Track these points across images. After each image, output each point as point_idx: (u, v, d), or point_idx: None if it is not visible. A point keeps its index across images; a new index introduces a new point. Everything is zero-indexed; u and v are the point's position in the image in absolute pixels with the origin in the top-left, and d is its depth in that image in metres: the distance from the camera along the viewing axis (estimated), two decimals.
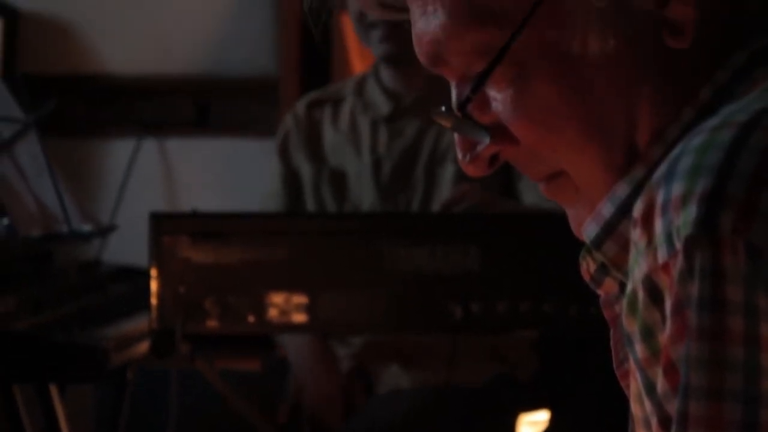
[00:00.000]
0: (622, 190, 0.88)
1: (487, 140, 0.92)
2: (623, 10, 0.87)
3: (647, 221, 0.79)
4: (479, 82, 0.90)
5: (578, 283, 2.00)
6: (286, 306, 1.97)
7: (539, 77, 0.88)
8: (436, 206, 2.41)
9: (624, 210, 0.87)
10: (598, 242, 0.89)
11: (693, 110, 0.87)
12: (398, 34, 2.49)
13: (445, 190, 2.45)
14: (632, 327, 0.81)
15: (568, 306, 1.94)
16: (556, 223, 2.01)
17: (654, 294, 0.79)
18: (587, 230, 0.90)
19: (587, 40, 0.88)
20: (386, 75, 2.60)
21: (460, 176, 2.47)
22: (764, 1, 0.88)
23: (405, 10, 0.94)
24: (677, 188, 0.77)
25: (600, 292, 0.93)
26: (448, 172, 2.50)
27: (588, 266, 0.92)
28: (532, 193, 2.44)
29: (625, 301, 0.82)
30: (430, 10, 0.91)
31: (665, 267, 0.77)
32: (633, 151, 0.89)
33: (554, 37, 0.88)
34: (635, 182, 0.87)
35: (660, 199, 0.78)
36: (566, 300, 1.94)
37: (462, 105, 0.92)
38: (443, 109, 0.93)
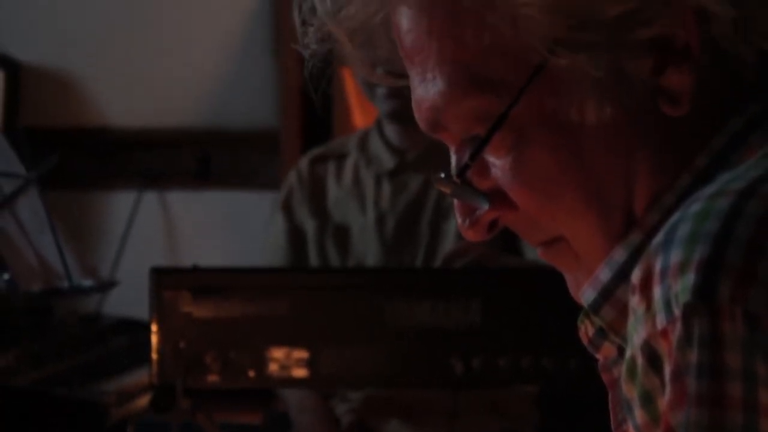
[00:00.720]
0: (619, 255, 0.89)
1: (485, 207, 0.92)
2: (620, 79, 0.88)
3: (646, 288, 0.80)
4: (477, 150, 0.91)
5: (579, 338, 2.00)
6: (286, 361, 1.97)
7: (537, 145, 0.89)
8: (440, 260, 2.41)
9: (621, 275, 0.88)
10: (596, 307, 0.90)
11: (689, 176, 0.88)
12: (403, 91, 2.49)
13: (449, 245, 2.45)
14: (632, 393, 0.82)
15: (569, 361, 1.94)
16: (557, 278, 2.01)
17: (653, 360, 0.79)
18: (585, 295, 0.91)
19: (584, 108, 0.88)
20: (390, 130, 2.61)
21: None
22: (759, 69, 0.89)
23: (405, 76, 0.95)
24: (675, 255, 0.78)
25: (598, 356, 0.93)
26: (452, 227, 2.50)
27: (586, 330, 0.93)
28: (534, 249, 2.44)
29: (624, 367, 0.82)
30: (429, 78, 0.92)
31: (664, 333, 0.78)
32: (631, 217, 0.89)
33: (552, 105, 0.88)
34: (632, 248, 0.88)
35: (658, 266, 0.79)
36: (567, 355, 1.94)
37: (460, 171, 0.92)
38: (442, 175, 0.94)
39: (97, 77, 3.71)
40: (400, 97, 2.50)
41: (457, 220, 0.95)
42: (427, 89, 0.93)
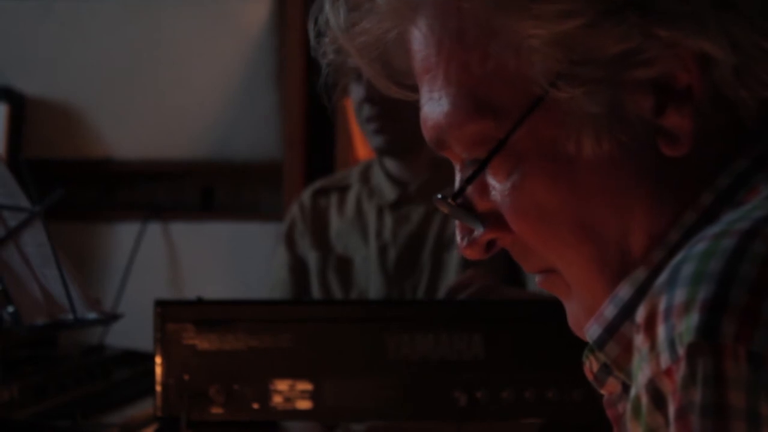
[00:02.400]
0: (624, 292, 0.89)
1: (480, 229, 0.93)
2: (619, 116, 0.89)
3: (650, 327, 0.80)
4: (474, 173, 0.92)
5: (583, 370, 2.00)
6: (290, 393, 1.97)
7: (535, 174, 0.90)
8: (442, 292, 2.42)
9: (627, 312, 0.89)
10: (601, 343, 0.90)
11: (694, 214, 0.88)
12: (391, 127, 2.50)
13: (451, 276, 2.46)
14: (636, 431, 0.82)
15: (572, 393, 1.94)
16: (560, 310, 2.01)
17: (657, 399, 0.80)
18: (590, 331, 0.91)
19: (582, 142, 0.89)
20: (391, 163, 2.61)
21: (466, 262, 2.48)
22: (761, 114, 0.89)
23: (417, 90, 0.96)
24: (680, 295, 0.79)
25: (603, 391, 0.94)
26: (454, 258, 2.50)
27: (591, 366, 0.93)
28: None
29: (629, 406, 0.83)
30: (435, 97, 0.93)
31: (668, 372, 0.78)
32: (625, 253, 0.90)
33: (551, 136, 0.89)
34: (638, 284, 0.89)
35: (663, 305, 0.80)
36: (571, 387, 1.94)
37: (457, 193, 0.94)
38: (440, 196, 0.95)
39: (101, 109, 3.72)
40: (389, 132, 2.51)
41: (457, 238, 0.95)
42: (432, 108, 0.94)
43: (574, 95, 0.88)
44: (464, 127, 0.92)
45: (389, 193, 2.60)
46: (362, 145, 3.54)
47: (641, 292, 0.87)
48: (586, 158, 0.89)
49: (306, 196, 2.69)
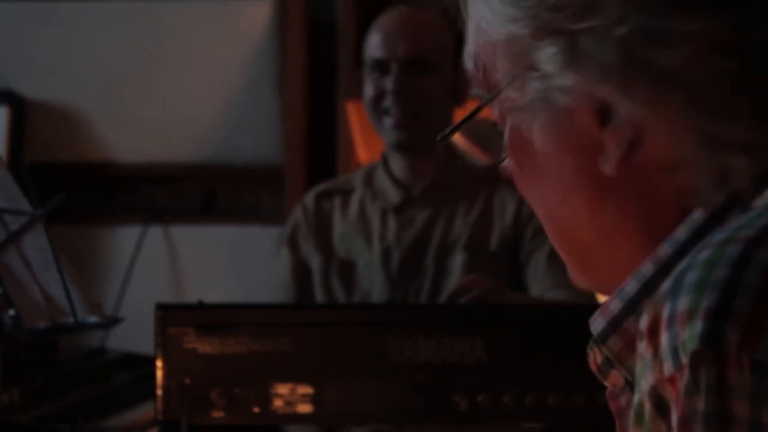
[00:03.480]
0: (630, 287, 0.89)
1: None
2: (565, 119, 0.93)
3: (654, 334, 0.80)
4: (469, 116, 1.01)
5: (584, 373, 1.99)
6: (291, 397, 1.97)
7: (513, 131, 0.97)
8: (445, 295, 2.41)
9: (631, 307, 0.89)
10: (604, 337, 0.90)
11: (704, 214, 0.88)
12: (411, 122, 2.51)
13: (454, 280, 2.45)
14: None
15: (574, 397, 1.94)
16: (562, 314, 2.01)
17: (660, 406, 0.80)
18: (595, 324, 0.92)
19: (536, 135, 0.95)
20: (396, 165, 2.61)
21: (470, 266, 2.48)
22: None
23: None
24: (683, 303, 0.79)
25: (606, 383, 0.94)
26: (457, 261, 2.50)
27: (595, 357, 0.93)
28: (539, 285, 2.44)
29: (632, 412, 0.83)
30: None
31: (671, 380, 0.79)
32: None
33: (516, 115, 0.96)
34: (643, 280, 0.89)
35: (666, 312, 0.80)
36: (572, 391, 1.93)
37: (467, 117, 1.01)
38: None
39: (103, 113, 3.72)
40: (409, 127, 2.52)
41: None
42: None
43: (525, 93, 0.93)
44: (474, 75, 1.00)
45: (393, 196, 2.60)
46: (363, 148, 3.53)
47: (647, 287, 0.87)
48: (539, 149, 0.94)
49: (309, 198, 2.69)
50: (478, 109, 0.97)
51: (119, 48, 3.70)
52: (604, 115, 0.90)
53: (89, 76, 3.70)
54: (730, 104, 0.87)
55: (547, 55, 0.90)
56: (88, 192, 3.77)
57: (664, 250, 0.89)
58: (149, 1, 3.71)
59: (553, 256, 2.48)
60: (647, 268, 0.89)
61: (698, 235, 0.87)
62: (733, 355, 0.76)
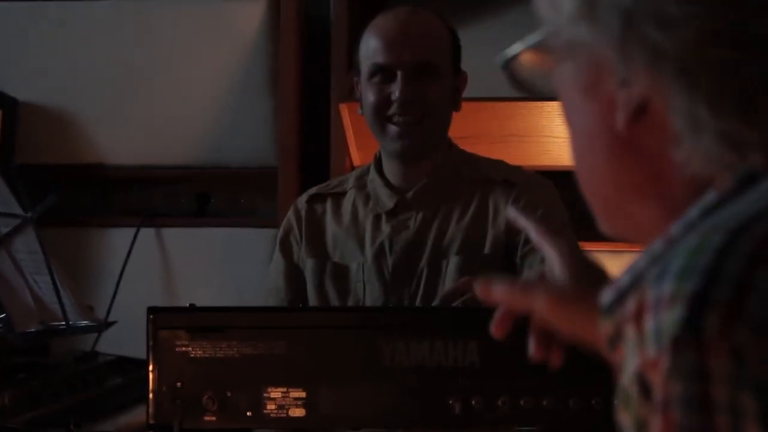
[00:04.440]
0: (641, 261, 0.92)
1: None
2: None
3: (639, 318, 0.83)
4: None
5: (579, 376, 1.99)
6: (284, 401, 1.96)
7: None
8: (438, 299, 2.41)
9: (637, 281, 0.90)
10: (612, 308, 0.92)
11: (716, 194, 0.90)
12: (415, 129, 2.51)
13: (448, 283, 2.45)
14: (626, 421, 0.85)
15: (568, 401, 1.93)
16: None
17: (645, 389, 0.82)
18: (605, 296, 0.94)
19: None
20: (390, 169, 2.61)
21: (463, 269, 2.47)
22: None
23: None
24: (667, 288, 0.81)
25: (614, 356, 0.95)
26: (451, 265, 2.49)
27: (605, 330, 0.94)
28: None
29: (619, 395, 0.85)
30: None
31: (654, 364, 0.81)
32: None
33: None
34: (653, 256, 0.91)
35: (651, 297, 0.82)
36: (567, 395, 1.93)
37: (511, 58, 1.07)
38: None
39: (95, 115, 3.71)
40: (412, 137, 2.51)
41: None
42: None
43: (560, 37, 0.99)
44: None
45: (387, 200, 2.59)
46: (357, 151, 3.53)
47: (654, 263, 0.89)
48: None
49: (301, 202, 2.68)
50: (539, 42, 1.02)
51: (112, 49, 3.69)
52: (622, 79, 0.94)
53: (81, 78, 3.69)
54: (722, 94, 0.90)
55: (572, 2, 0.96)
56: (80, 194, 3.77)
57: (676, 228, 0.91)
58: (141, 1, 3.70)
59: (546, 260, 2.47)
60: (658, 245, 0.91)
61: (708, 215, 0.89)
62: (712, 340, 0.78)
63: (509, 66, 1.05)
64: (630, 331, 0.84)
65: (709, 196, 0.90)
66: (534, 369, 1.95)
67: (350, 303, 2.53)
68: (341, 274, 2.57)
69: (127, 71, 3.68)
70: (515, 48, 1.04)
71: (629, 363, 0.83)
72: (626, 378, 0.84)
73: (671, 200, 0.94)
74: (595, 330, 1.17)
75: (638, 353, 0.82)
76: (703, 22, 0.89)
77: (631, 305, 0.84)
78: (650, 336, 0.81)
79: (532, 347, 1.30)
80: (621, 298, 0.91)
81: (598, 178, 1.00)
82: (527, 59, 1.04)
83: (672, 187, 0.94)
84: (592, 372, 1.91)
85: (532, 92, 1.07)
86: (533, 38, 1.01)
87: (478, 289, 1.26)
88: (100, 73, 3.69)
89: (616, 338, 0.93)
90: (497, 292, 1.25)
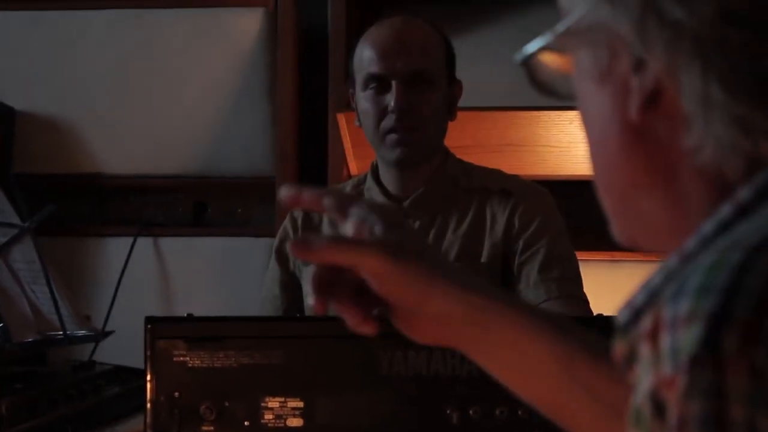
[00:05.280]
0: (657, 278, 0.90)
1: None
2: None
3: (655, 336, 0.81)
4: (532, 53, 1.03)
5: None
6: (281, 410, 1.96)
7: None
8: None
9: (653, 299, 0.89)
10: (627, 328, 0.91)
11: (731, 208, 0.89)
12: (412, 138, 2.51)
13: None
14: None
15: None
16: None
17: (659, 408, 0.81)
18: (621, 315, 0.92)
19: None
20: (387, 177, 2.61)
21: None
22: None
23: None
24: (685, 306, 0.80)
25: (629, 376, 0.94)
26: None
27: (620, 350, 0.94)
28: (530, 298, 2.44)
29: (631, 414, 0.84)
30: None
31: (670, 383, 0.79)
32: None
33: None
34: (668, 272, 0.90)
35: (668, 315, 0.81)
36: None
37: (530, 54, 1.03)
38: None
39: (92, 124, 3.71)
40: (410, 145, 2.51)
41: None
42: None
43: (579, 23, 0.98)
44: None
45: None
46: (354, 160, 3.53)
47: (670, 279, 0.88)
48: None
49: (297, 210, 2.68)
50: (558, 34, 1.00)
51: (109, 58, 3.69)
52: (637, 62, 0.93)
53: (78, 87, 3.69)
54: (736, 77, 0.89)
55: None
56: (77, 204, 3.76)
57: (691, 244, 0.90)
58: (139, 10, 3.70)
59: (543, 269, 2.47)
60: (673, 261, 0.90)
61: (724, 229, 0.88)
62: (730, 359, 0.77)
63: (528, 64, 1.04)
64: (645, 349, 0.82)
65: (725, 209, 0.89)
66: None
67: None
68: None
69: (124, 80, 3.69)
70: (535, 44, 1.02)
71: (643, 381, 0.82)
72: (639, 396, 0.83)
73: (680, 192, 0.93)
74: (416, 295, 1.17)
75: (653, 371, 0.81)
76: (722, 0, 0.89)
77: (646, 323, 0.83)
78: (666, 354, 0.80)
79: (313, 299, 1.21)
80: (636, 316, 0.90)
81: (611, 170, 0.99)
82: (546, 59, 1.04)
83: (681, 178, 0.93)
84: None
85: (552, 93, 1.06)
86: (554, 30, 1.00)
87: (292, 248, 1.15)
88: (97, 82, 3.69)
89: (630, 358, 0.92)
90: (318, 245, 1.14)
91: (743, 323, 0.77)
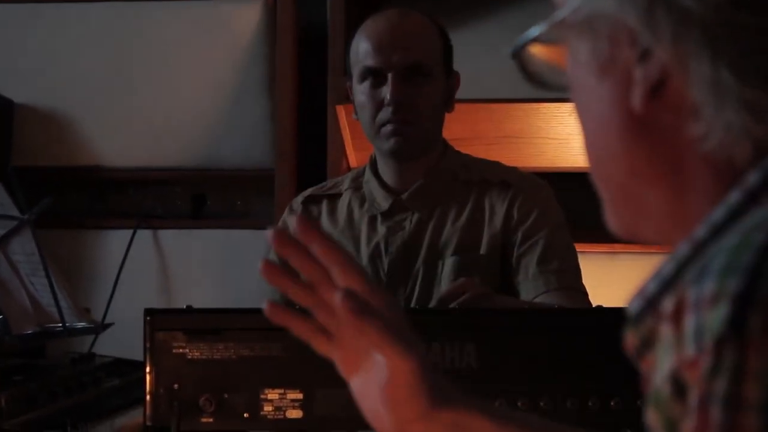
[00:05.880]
0: (668, 269, 0.90)
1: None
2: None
3: (678, 317, 0.82)
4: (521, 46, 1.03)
5: (575, 378, 1.98)
6: (281, 402, 1.96)
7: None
8: (435, 300, 2.41)
9: (666, 288, 0.89)
10: (640, 317, 0.91)
11: (740, 194, 0.89)
12: (408, 130, 2.50)
13: (444, 284, 2.45)
14: (655, 421, 0.84)
15: (565, 402, 1.93)
16: (553, 318, 2.00)
17: (679, 389, 0.81)
18: (632, 305, 0.92)
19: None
20: (385, 170, 2.61)
21: (460, 270, 2.47)
22: None
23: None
24: (709, 287, 0.80)
25: (642, 366, 0.94)
26: (447, 266, 2.49)
27: (632, 340, 0.94)
28: (529, 290, 2.44)
29: (651, 395, 0.84)
30: None
31: (694, 363, 0.80)
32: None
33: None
34: (680, 262, 0.89)
35: (692, 296, 0.81)
36: (564, 396, 1.93)
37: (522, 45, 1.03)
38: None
39: (91, 116, 3.70)
40: (405, 136, 2.51)
41: None
42: None
43: (577, 14, 0.97)
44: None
45: (382, 201, 2.59)
46: (354, 153, 3.53)
47: (682, 268, 0.88)
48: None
49: (296, 203, 2.68)
50: (551, 25, 1.00)
51: (108, 51, 3.68)
52: (642, 52, 0.92)
53: (77, 80, 3.69)
54: (747, 62, 0.89)
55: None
56: (76, 196, 3.76)
57: (701, 231, 0.90)
58: (138, 2, 3.70)
59: (542, 261, 2.47)
60: (683, 249, 0.90)
61: (734, 216, 0.88)
62: (756, 339, 0.77)
63: (519, 55, 1.03)
64: (666, 331, 0.83)
65: (734, 195, 0.89)
66: (531, 370, 1.95)
67: None
68: None
69: (123, 73, 3.68)
70: (530, 33, 1.02)
71: (663, 363, 0.83)
72: (659, 378, 0.83)
73: (684, 181, 0.93)
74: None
75: (675, 353, 0.81)
76: None
77: (667, 305, 0.83)
78: (690, 335, 0.80)
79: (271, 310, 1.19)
80: (649, 305, 0.90)
81: (610, 161, 0.98)
82: (537, 51, 1.03)
83: (686, 166, 0.92)
84: (589, 374, 1.91)
85: (543, 85, 1.05)
86: (550, 20, 0.99)
87: (297, 221, 1.15)
88: (96, 74, 3.69)
89: (644, 347, 0.92)
90: (320, 240, 1.16)
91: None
